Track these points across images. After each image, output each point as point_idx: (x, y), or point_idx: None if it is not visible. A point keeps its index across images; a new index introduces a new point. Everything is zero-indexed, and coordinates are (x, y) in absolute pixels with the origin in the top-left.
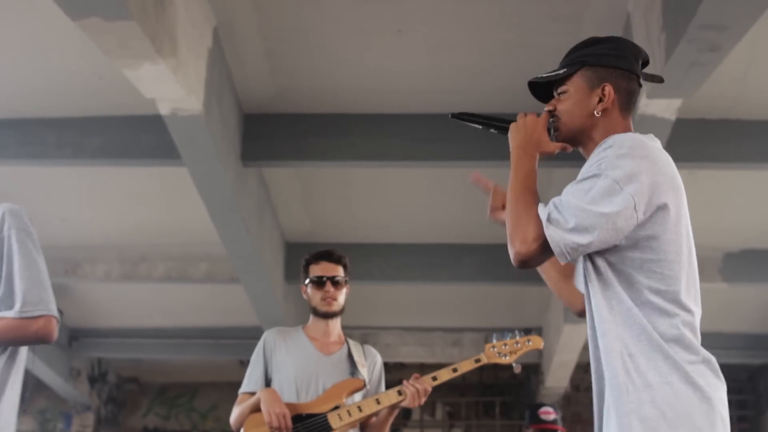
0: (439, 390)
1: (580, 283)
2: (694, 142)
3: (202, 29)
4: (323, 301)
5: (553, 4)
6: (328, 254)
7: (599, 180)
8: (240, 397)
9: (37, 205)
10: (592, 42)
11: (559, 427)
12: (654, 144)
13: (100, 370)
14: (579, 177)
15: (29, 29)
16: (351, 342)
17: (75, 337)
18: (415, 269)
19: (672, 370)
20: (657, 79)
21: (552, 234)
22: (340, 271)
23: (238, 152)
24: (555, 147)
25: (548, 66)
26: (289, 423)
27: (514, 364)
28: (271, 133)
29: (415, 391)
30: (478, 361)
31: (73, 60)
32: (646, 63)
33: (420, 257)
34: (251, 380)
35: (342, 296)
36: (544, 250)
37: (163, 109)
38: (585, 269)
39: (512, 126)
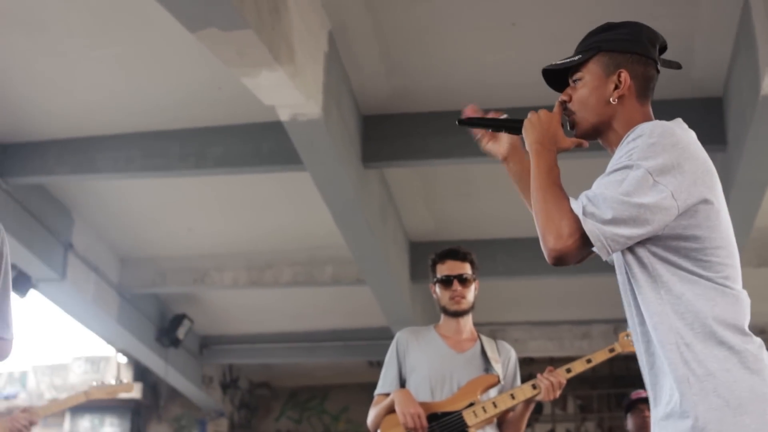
0: (570, 383)
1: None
2: None
3: (317, 34)
4: (452, 300)
5: None
6: (454, 252)
7: (631, 171)
8: (376, 398)
9: (164, 216)
10: (608, 27)
11: None
12: (682, 128)
13: (231, 376)
14: (609, 168)
15: (148, 44)
16: (484, 338)
17: (206, 344)
18: (541, 263)
19: (729, 355)
20: (675, 65)
21: (591, 228)
22: (467, 269)
23: (358, 154)
24: (571, 143)
25: (665, 53)
26: (425, 422)
27: None
28: (391, 133)
29: (549, 384)
30: (612, 350)
31: (192, 72)
32: (664, 48)
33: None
34: (386, 381)
35: (471, 293)
36: (581, 245)
37: (283, 115)
38: (626, 263)
39: (526, 123)
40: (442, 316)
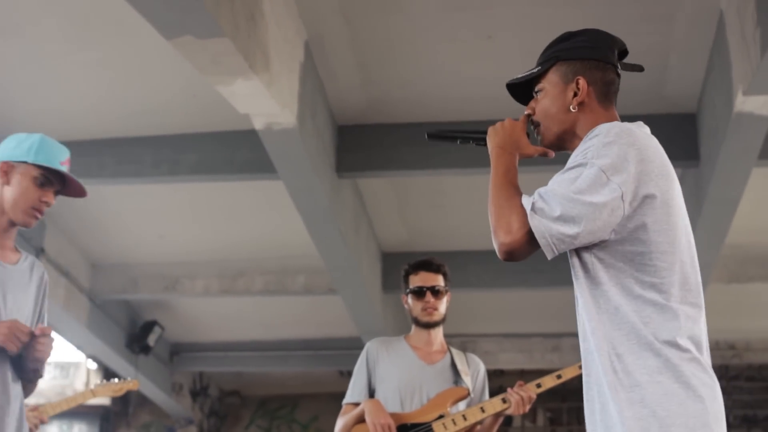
0: (540, 396)
1: None
2: None
3: (293, 43)
4: (424, 311)
5: (645, 5)
6: (428, 264)
7: (585, 169)
8: (344, 408)
9: (136, 223)
10: (566, 37)
11: None
12: (643, 131)
13: (201, 384)
14: (566, 166)
15: (123, 50)
16: (454, 350)
17: (176, 351)
18: (513, 275)
19: (662, 368)
20: (637, 68)
21: (537, 224)
22: (439, 281)
23: (332, 164)
24: (534, 150)
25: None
26: None
27: None
28: (365, 143)
29: (519, 398)
30: (581, 366)
31: (167, 79)
32: (624, 52)
33: (517, 263)
34: (355, 391)
35: (443, 305)
36: (530, 239)
37: (258, 124)
38: (572, 266)
39: (489, 130)
40: (413, 327)
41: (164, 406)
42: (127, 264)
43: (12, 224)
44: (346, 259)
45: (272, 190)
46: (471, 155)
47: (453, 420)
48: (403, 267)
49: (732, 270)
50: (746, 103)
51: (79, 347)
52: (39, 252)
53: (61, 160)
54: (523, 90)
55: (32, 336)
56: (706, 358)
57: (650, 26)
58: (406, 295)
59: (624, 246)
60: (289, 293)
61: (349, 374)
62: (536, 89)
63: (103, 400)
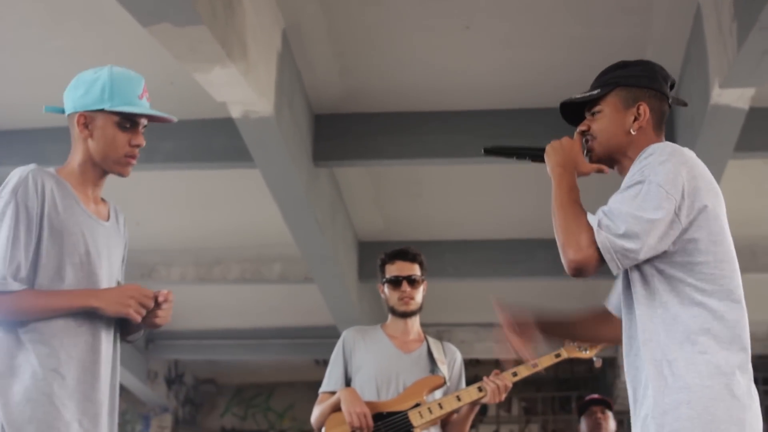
0: (515, 385)
1: (611, 303)
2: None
3: (271, 32)
4: (400, 300)
5: None
6: (404, 253)
7: (644, 186)
8: (320, 396)
9: None
10: (624, 65)
11: (606, 398)
12: (690, 152)
13: (177, 372)
14: (623, 186)
15: (99, 36)
16: (430, 339)
17: (152, 339)
18: (489, 265)
19: (714, 374)
20: (682, 103)
21: (603, 240)
22: (416, 270)
23: (309, 153)
24: (591, 168)
25: (617, 60)
26: (370, 422)
27: (594, 358)
28: (342, 133)
29: (495, 387)
30: (558, 356)
31: (143, 66)
32: (672, 85)
33: (493, 253)
34: (331, 379)
35: (419, 295)
36: (599, 256)
37: (235, 112)
38: (630, 279)
39: (548, 148)
40: (390, 316)
41: (139, 393)
42: None
43: (103, 175)
44: (322, 248)
45: (249, 178)
46: (448, 145)
47: (429, 408)
48: (379, 256)
49: None
50: (722, 96)
51: None
52: None
53: (138, 93)
54: (572, 109)
55: (155, 302)
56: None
57: (628, 18)
58: (383, 284)
59: (683, 257)
60: (265, 281)
61: (325, 363)
62: (593, 110)
63: None
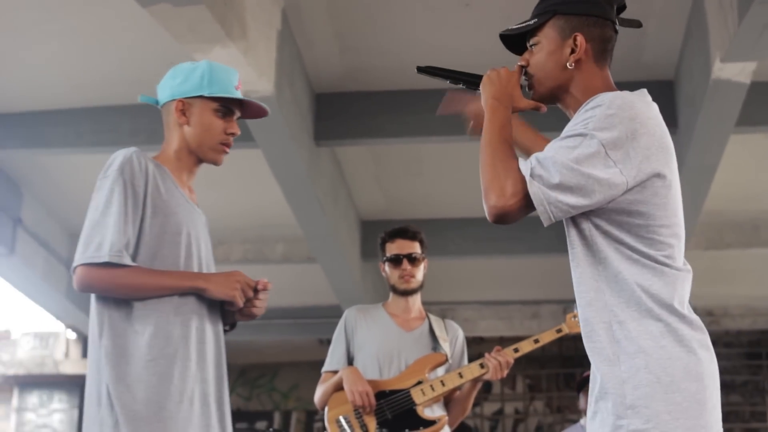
0: (519, 363)
1: None
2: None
3: (270, 11)
4: (401, 279)
5: None
6: (404, 231)
7: (585, 140)
8: (323, 375)
9: None
10: None
11: None
12: (644, 101)
13: None
14: (564, 133)
15: (99, 17)
16: (432, 317)
17: None
18: (492, 242)
19: (664, 332)
20: (635, 24)
21: (536, 191)
22: (416, 248)
23: (310, 132)
24: (527, 104)
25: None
26: (373, 400)
27: None
28: (343, 112)
29: (497, 363)
30: (559, 331)
31: (143, 47)
32: (622, 8)
33: (496, 230)
34: (333, 359)
35: (420, 272)
36: (524, 205)
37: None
38: (567, 235)
39: (485, 78)
40: (391, 295)
41: None
42: None
43: (198, 163)
44: (324, 228)
45: (250, 158)
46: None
47: (431, 386)
48: (380, 235)
49: (710, 237)
50: (724, 70)
51: (58, 317)
52: (17, 222)
53: (234, 84)
54: (516, 41)
55: (255, 290)
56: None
57: None
58: (384, 262)
59: (622, 216)
60: (267, 262)
61: (329, 342)
62: (531, 42)
63: (84, 370)
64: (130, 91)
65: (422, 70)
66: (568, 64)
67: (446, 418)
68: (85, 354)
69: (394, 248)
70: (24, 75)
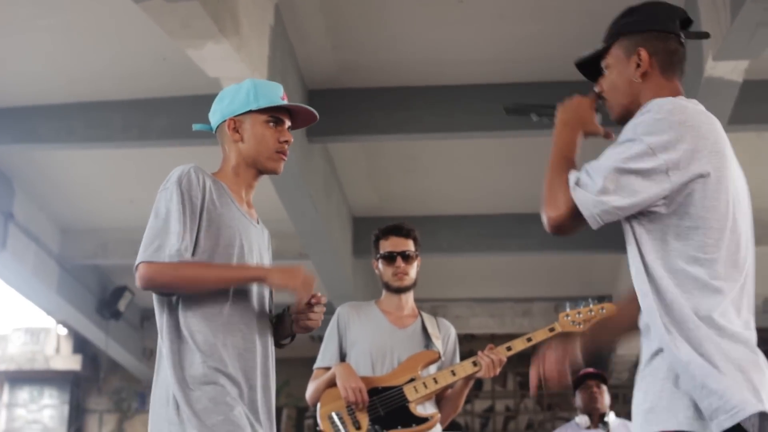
0: (511, 360)
1: None
2: (762, 103)
3: (263, 7)
4: (395, 276)
5: None
6: (398, 229)
7: (634, 144)
8: (315, 372)
9: (106, 188)
10: (627, 13)
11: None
12: (696, 108)
13: None
14: (617, 140)
15: (92, 13)
16: (424, 315)
17: (147, 317)
18: (484, 240)
19: (702, 342)
20: (703, 35)
21: (580, 197)
22: (410, 246)
23: (303, 128)
24: (598, 129)
25: None
26: (366, 397)
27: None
28: (336, 108)
29: (490, 361)
30: (552, 330)
31: (136, 42)
32: (687, 22)
33: (488, 228)
34: (326, 355)
35: (413, 270)
36: (574, 214)
37: None
38: (624, 233)
39: (559, 106)
40: (384, 292)
41: (135, 371)
42: (97, 229)
43: (257, 176)
44: (316, 224)
45: None
46: (442, 120)
47: (424, 383)
48: (373, 232)
49: None
50: (716, 69)
51: (49, 313)
52: (8, 217)
53: (279, 95)
54: (592, 68)
55: (309, 304)
56: (751, 332)
57: None
58: (377, 260)
59: (672, 219)
60: None
61: (320, 339)
62: (603, 66)
63: (74, 366)
64: (123, 86)
65: (510, 110)
66: (634, 79)
67: (439, 415)
68: (75, 350)
69: (388, 245)
70: (16, 70)
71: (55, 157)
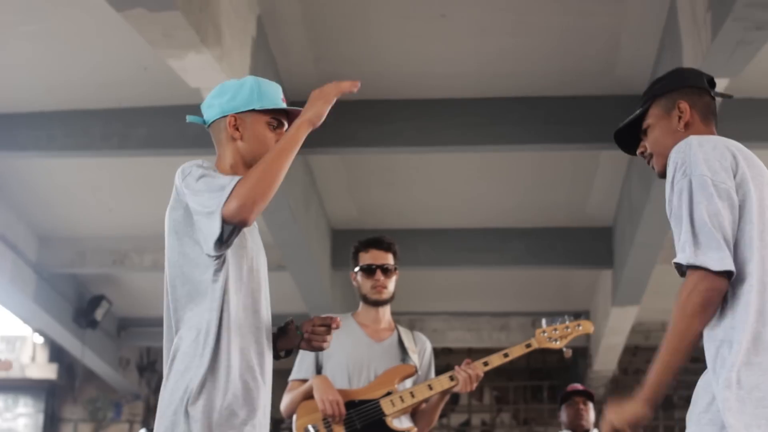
0: (487, 375)
1: None
2: (742, 121)
3: (245, 18)
4: (373, 289)
5: None
6: (378, 242)
7: (693, 184)
8: (291, 384)
9: (85, 196)
10: (658, 80)
11: (588, 389)
12: (720, 137)
13: (149, 359)
14: (672, 188)
15: (74, 21)
16: (401, 328)
17: (123, 326)
18: (462, 254)
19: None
20: (727, 96)
21: (702, 270)
22: (389, 259)
23: None
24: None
25: (592, 49)
26: (343, 410)
27: (564, 349)
28: None
29: (467, 376)
30: (528, 346)
31: (117, 51)
32: (712, 83)
33: (466, 242)
34: (302, 367)
35: (392, 284)
36: (717, 299)
37: None
38: None
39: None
40: (362, 305)
41: (111, 381)
42: (75, 237)
43: None
44: (295, 236)
45: None
46: (422, 133)
47: (401, 397)
48: (353, 244)
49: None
50: None
51: (25, 321)
52: None
53: (280, 96)
54: (627, 136)
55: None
56: None
57: (603, 7)
58: (356, 272)
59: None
60: None
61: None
62: (643, 128)
63: (50, 375)
64: (104, 95)
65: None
66: (679, 128)
67: (415, 429)
68: (51, 358)
69: (367, 258)
70: None
71: (35, 164)
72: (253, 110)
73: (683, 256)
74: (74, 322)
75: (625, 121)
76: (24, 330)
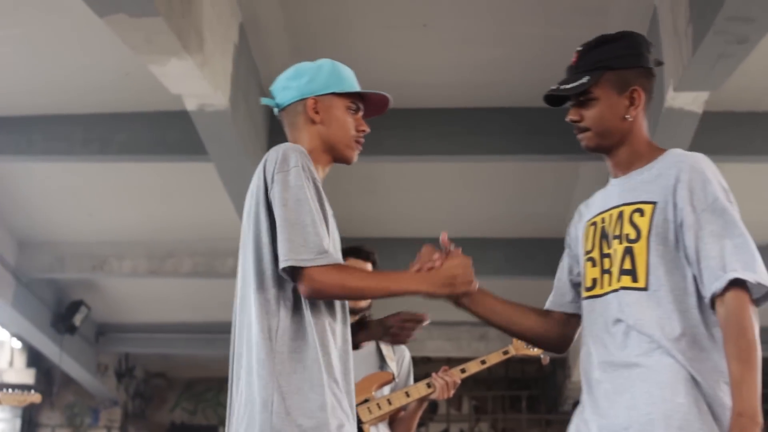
0: (466, 384)
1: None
2: (722, 134)
3: (227, 24)
4: None
5: None
6: (358, 251)
7: (727, 210)
8: None
9: (65, 201)
10: (605, 41)
11: None
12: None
13: (127, 365)
14: (707, 209)
15: (55, 26)
16: None
17: (102, 332)
18: None
19: None
20: (660, 63)
21: (753, 294)
22: (368, 268)
23: (264, 147)
24: None
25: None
26: None
27: (542, 355)
28: None
29: (444, 383)
30: (506, 353)
31: (99, 56)
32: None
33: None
34: None
35: None
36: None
37: (190, 105)
38: None
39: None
40: None
41: (89, 386)
42: (54, 242)
43: (329, 162)
44: None
45: (203, 172)
46: (403, 142)
47: (378, 404)
48: None
49: None
50: (677, 99)
51: (3, 326)
52: None
53: (356, 81)
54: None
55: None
56: None
57: (584, 18)
58: None
59: None
60: (217, 276)
61: None
62: (583, 98)
63: (27, 380)
64: (84, 99)
65: None
66: (627, 117)
67: None
68: (29, 364)
69: None
70: None
71: (14, 169)
72: (333, 93)
73: (736, 274)
74: (53, 327)
75: (570, 88)
76: (2, 335)
